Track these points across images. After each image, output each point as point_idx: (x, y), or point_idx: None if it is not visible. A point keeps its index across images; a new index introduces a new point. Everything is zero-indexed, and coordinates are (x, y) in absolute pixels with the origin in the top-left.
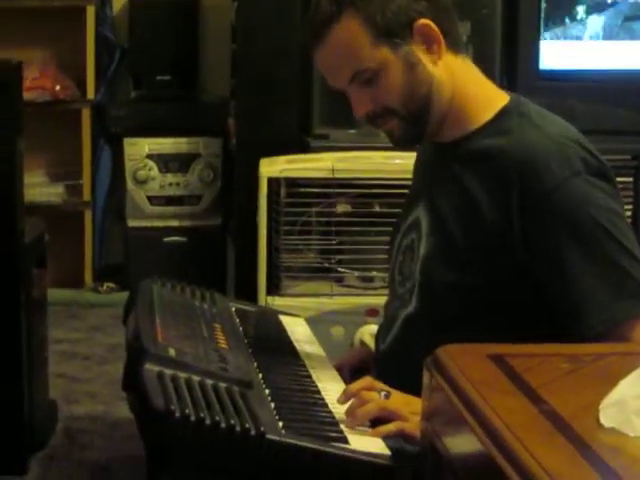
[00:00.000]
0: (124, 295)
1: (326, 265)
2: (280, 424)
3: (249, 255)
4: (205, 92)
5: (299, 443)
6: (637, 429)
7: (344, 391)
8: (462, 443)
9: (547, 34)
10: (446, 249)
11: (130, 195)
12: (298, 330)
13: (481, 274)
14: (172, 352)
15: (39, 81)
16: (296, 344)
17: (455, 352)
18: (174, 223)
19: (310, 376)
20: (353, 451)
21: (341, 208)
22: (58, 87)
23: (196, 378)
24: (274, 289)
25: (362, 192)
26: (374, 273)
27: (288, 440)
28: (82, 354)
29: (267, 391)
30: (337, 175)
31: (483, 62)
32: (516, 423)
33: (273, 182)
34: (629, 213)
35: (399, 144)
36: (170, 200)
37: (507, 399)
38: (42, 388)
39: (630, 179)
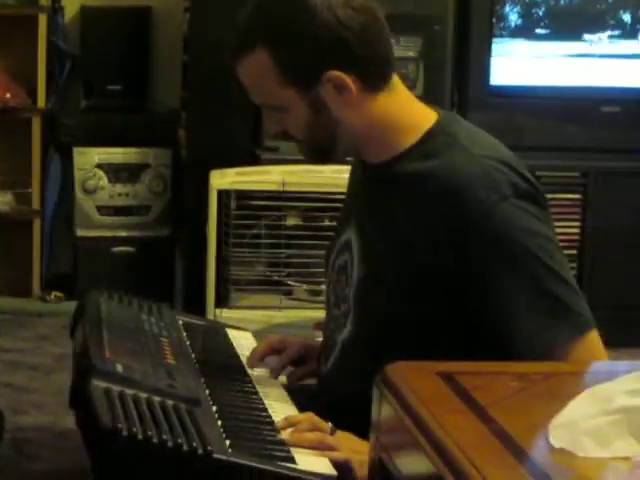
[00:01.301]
0: (72, 305)
1: (275, 278)
2: (227, 442)
3: (198, 267)
4: (156, 102)
5: (246, 462)
6: (586, 450)
7: (286, 418)
8: (411, 461)
9: (497, 50)
10: (376, 278)
11: (79, 204)
12: (245, 345)
13: (412, 301)
14: (120, 368)
15: None
16: (243, 360)
17: (404, 369)
18: (123, 233)
19: (257, 393)
20: (300, 471)
21: (291, 221)
22: (8, 95)
23: (143, 395)
24: (222, 301)
25: (312, 206)
26: (323, 287)
27: (235, 459)
28: (29, 364)
29: (214, 408)
30: (287, 188)
31: (434, 78)
32: (466, 442)
33: (223, 194)
34: (576, 230)
35: (307, 159)
36: (119, 210)
37: (457, 417)
38: None
39: (578, 196)
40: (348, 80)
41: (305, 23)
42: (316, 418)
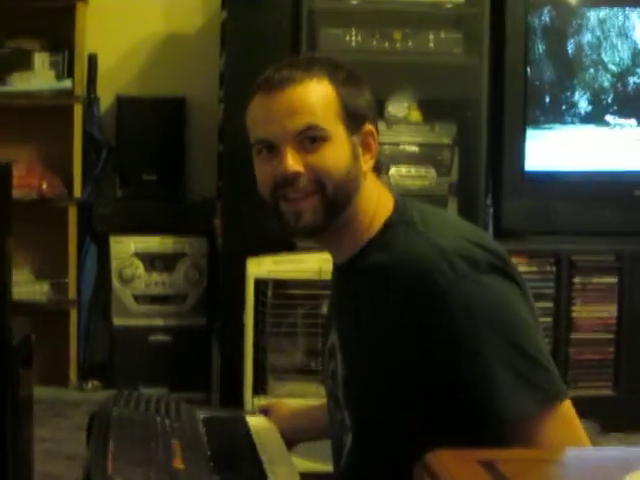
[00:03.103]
0: (109, 393)
1: (312, 366)
2: None
3: (235, 355)
4: (191, 192)
5: None
6: None
7: None
8: None
9: (532, 135)
10: (357, 380)
11: (116, 293)
12: (265, 433)
13: (397, 398)
14: None
15: (26, 179)
16: (262, 455)
17: (445, 458)
18: (159, 322)
19: None
20: None
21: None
22: (45, 185)
23: None
24: (260, 390)
25: None
26: None
27: None
28: (66, 453)
29: None
30: (324, 277)
31: (469, 164)
32: None
33: (260, 283)
34: (613, 314)
35: (299, 230)
36: (155, 299)
37: None
38: None
39: (614, 279)
40: (376, 141)
41: (361, 79)
42: None
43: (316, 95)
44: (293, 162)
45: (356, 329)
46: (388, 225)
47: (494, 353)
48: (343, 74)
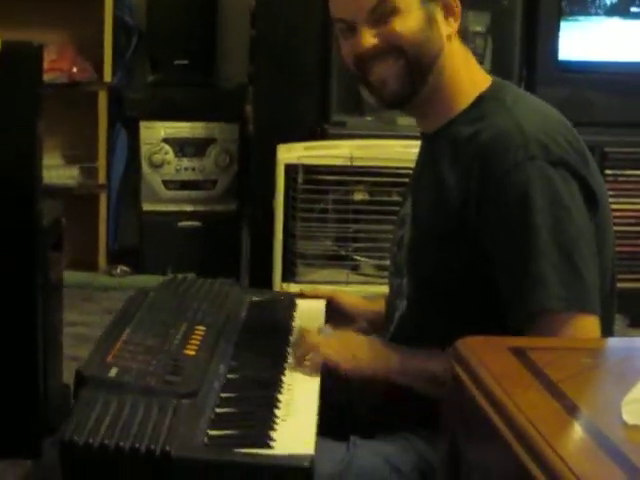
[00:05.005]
0: (138, 278)
1: (342, 253)
2: (208, 435)
3: (264, 241)
4: (222, 77)
5: (203, 457)
6: None
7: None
8: (483, 436)
9: (567, 25)
10: (423, 237)
11: (145, 179)
12: (311, 314)
13: (453, 257)
14: (113, 372)
15: (56, 63)
16: (293, 339)
17: (475, 344)
18: (189, 208)
19: (282, 373)
20: (268, 457)
21: (358, 196)
22: (75, 69)
23: (130, 398)
24: (289, 276)
25: (379, 180)
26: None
27: (198, 456)
28: (95, 337)
29: (221, 395)
30: (355, 163)
31: (503, 53)
32: (538, 418)
33: (291, 168)
34: None
35: (387, 98)
36: (185, 184)
37: (528, 393)
38: (57, 372)
39: None
40: (459, 5)
41: None
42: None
43: None
44: (369, 37)
45: (429, 191)
46: (480, 99)
47: (536, 241)
48: None
